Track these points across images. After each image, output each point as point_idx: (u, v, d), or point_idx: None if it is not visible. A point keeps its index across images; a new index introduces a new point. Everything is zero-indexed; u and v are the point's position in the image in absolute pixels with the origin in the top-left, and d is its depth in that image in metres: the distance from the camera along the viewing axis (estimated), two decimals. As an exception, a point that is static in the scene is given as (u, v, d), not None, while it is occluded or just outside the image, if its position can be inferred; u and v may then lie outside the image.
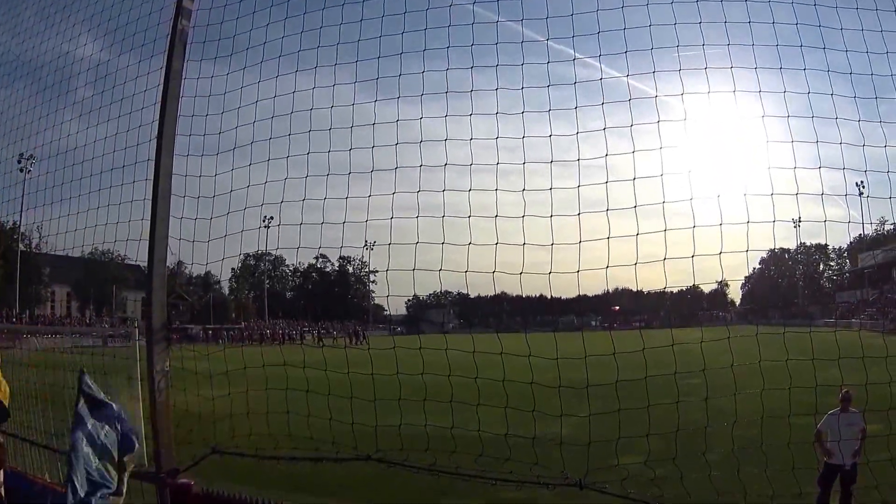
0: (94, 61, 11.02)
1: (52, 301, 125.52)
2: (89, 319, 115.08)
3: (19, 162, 16.24)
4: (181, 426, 8.22)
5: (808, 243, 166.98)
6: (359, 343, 77.12)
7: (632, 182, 7.27)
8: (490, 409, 7.98)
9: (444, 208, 7.83)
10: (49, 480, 7.85)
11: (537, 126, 7.58)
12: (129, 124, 9.39)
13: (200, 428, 8.42)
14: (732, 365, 7.43)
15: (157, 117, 8.10)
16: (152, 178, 8.02)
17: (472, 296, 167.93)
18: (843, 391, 14.42)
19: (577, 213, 7.31)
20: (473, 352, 8.08)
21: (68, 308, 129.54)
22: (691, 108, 7.70)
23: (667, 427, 7.88)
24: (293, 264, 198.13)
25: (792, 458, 7.77)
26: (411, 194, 7.96)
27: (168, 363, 7.92)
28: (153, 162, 8.04)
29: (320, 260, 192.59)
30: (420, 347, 8.07)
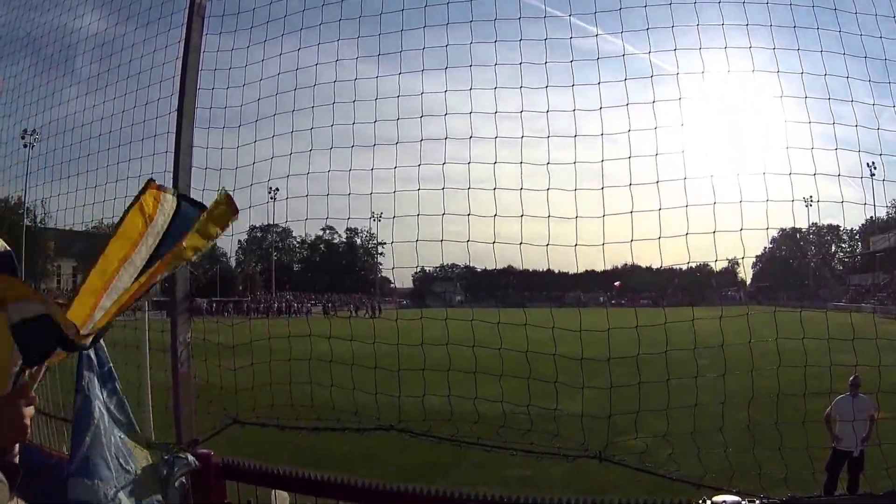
0: (110, 35, 11.02)
1: (59, 275, 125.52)
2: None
3: (23, 138, 16.20)
4: (201, 397, 8.28)
5: (819, 223, 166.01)
6: (378, 315, 76.86)
7: (627, 160, 7.31)
8: (511, 381, 8.03)
9: (444, 180, 7.88)
10: (66, 453, 7.90)
11: (537, 99, 7.61)
12: (136, 101, 9.44)
13: (221, 399, 8.47)
14: (750, 342, 7.46)
15: (177, 90, 8.12)
16: (173, 151, 8.05)
17: (478, 269, 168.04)
18: (852, 376, 14.52)
19: (600, 187, 7.33)
20: (498, 323, 8.13)
21: (74, 282, 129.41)
22: (698, 84, 7.74)
23: (681, 404, 7.92)
24: (300, 236, 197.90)
25: (807, 439, 7.82)
26: (413, 167, 8.02)
27: (190, 334, 7.96)
28: (174, 135, 8.06)
29: (327, 231, 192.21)
30: (446, 319, 8.12)
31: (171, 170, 8.00)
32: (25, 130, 14.58)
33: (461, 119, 8.02)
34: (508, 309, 12.33)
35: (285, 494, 7.16)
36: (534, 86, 7.61)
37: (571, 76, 7.65)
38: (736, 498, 5.65)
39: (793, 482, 6.66)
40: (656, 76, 7.48)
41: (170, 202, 4.78)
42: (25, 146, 17.21)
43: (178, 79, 8.12)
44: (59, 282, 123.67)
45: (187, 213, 4.92)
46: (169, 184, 7.95)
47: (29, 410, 3.62)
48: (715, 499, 5.62)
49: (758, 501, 5.66)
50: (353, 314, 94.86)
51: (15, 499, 3.83)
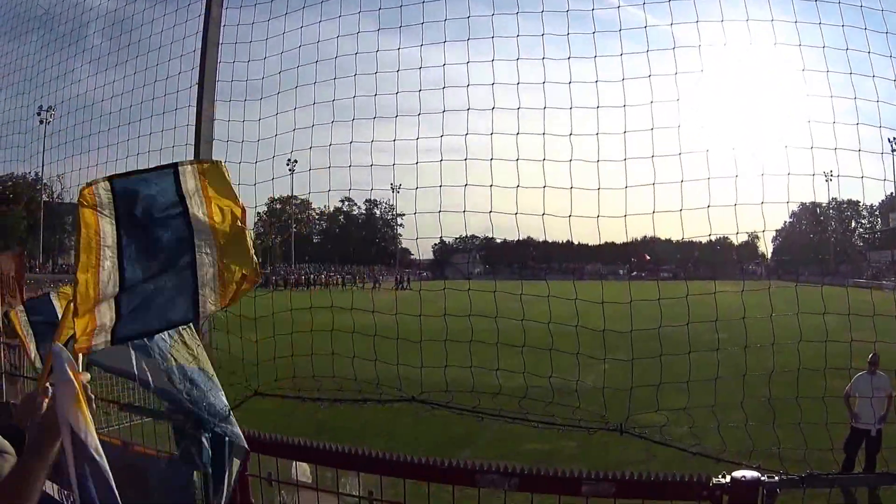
0: (126, 12, 11.02)
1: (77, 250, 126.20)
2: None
3: (39, 114, 16.25)
4: (222, 369, 8.31)
5: (839, 199, 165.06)
6: (405, 287, 76.50)
7: (650, 132, 7.27)
8: (532, 353, 8.03)
9: (466, 151, 7.87)
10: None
11: (558, 71, 7.58)
12: (156, 76, 9.45)
13: (242, 371, 8.51)
14: (771, 316, 7.44)
15: (198, 64, 8.13)
16: (194, 124, 8.06)
17: (497, 240, 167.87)
18: (871, 353, 14.49)
19: (623, 158, 7.31)
20: (521, 294, 8.13)
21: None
22: (723, 55, 7.70)
23: (701, 378, 7.91)
24: (320, 208, 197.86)
25: (826, 414, 7.80)
26: (434, 139, 8.01)
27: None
28: (195, 109, 8.07)
29: (346, 203, 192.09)
30: (469, 290, 8.12)
31: (192, 143, 8.01)
32: (41, 107, 14.65)
33: (484, 90, 8.00)
34: (528, 281, 12.33)
35: (305, 466, 7.20)
36: (556, 57, 7.59)
37: (594, 47, 7.63)
38: (755, 473, 5.64)
39: (812, 459, 6.65)
40: (678, 48, 7.44)
41: (104, 192, 4.82)
42: (42, 122, 17.30)
43: (198, 53, 8.13)
44: (76, 256, 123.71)
45: (145, 184, 5.00)
46: (190, 156, 7.99)
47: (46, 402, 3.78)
48: (734, 474, 5.63)
49: (777, 478, 5.66)
50: (376, 286, 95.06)
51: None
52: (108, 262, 4.61)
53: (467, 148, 7.84)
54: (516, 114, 7.70)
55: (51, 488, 8.00)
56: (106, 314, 4.54)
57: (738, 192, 7.17)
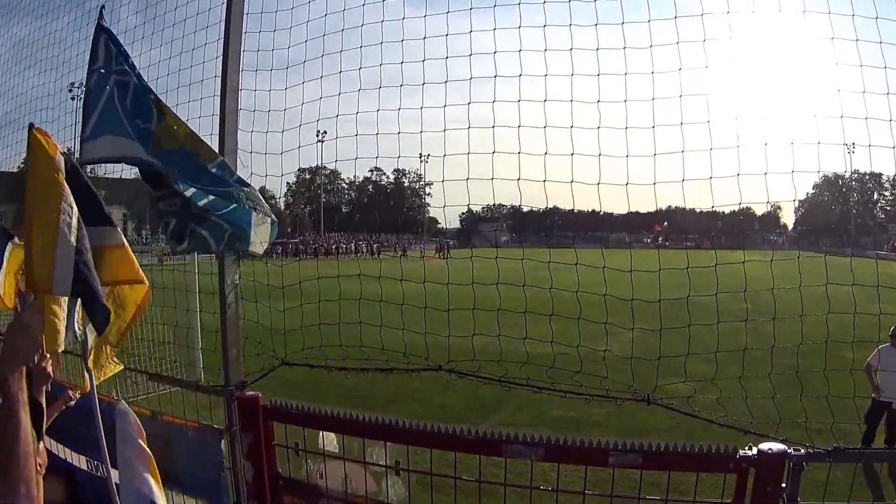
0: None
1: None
2: (145, 239, 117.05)
3: (70, 91, 16.32)
4: (249, 339, 8.36)
5: (861, 171, 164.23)
6: (444, 256, 75.89)
7: (678, 99, 7.21)
8: (559, 322, 8.02)
9: (494, 118, 7.86)
10: (114, 398, 8.02)
11: (586, 37, 7.53)
12: (182, 47, 9.45)
13: (270, 340, 8.55)
14: (801, 285, 7.40)
15: (223, 35, 8.12)
16: (219, 94, 8.06)
17: (524, 209, 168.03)
18: (894, 326, 14.46)
19: (651, 126, 7.25)
20: (549, 262, 8.15)
21: (124, 229, 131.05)
22: (751, 25, 7.61)
23: (728, 348, 7.89)
24: (349, 178, 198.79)
25: (854, 387, 7.76)
26: (462, 107, 7.99)
27: (238, 276, 8.02)
28: (220, 79, 8.07)
29: (375, 173, 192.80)
30: (497, 257, 8.11)
31: (218, 113, 8.02)
32: (73, 83, 14.74)
33: (511, 57, 7.96)
34: (555, 249, 12.31)
35: (332, 436, 7.25)
36: (583, 24, 7.53)
37: (621, 13, 7.56)
38: (782, 446, 5.63)
39: (837, 432, 6.62)
40: (706, 14, 7.36)
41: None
42: (73, 98, 17.38)
43: (223, 24, 8.12)
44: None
45: None
46: (216, 128, 8.01)
47: (37, 320, 3.85)
48: (761, 446, 5.62)
49: (803, 451, 5.64)
50: (404, 254, 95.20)
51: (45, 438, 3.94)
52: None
53: (495, 115, 7.85)
54: (544, 80, 7.66)
55: (77, 460, 8.16)
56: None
57: (767, 161, 7.11)
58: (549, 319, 7.80)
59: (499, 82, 7.88)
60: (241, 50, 8.12)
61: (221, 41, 8.13)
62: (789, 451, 5.59)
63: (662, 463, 5.84)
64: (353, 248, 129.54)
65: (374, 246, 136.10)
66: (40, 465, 4.79)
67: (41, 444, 4.90)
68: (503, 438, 6.15)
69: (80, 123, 6.84)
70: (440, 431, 6.49)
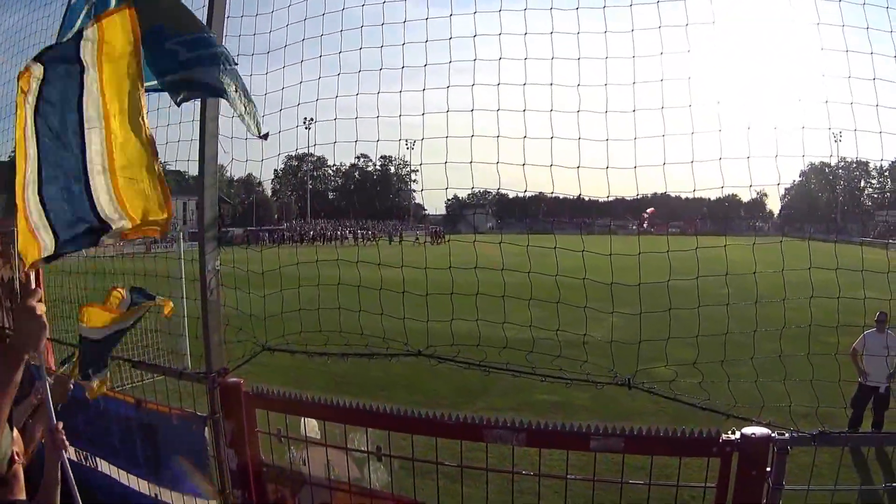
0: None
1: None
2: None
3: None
4: (231, 325, 8.32)
5: (848, 159, 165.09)
6: (440, 242, 75.18)
7: (659, 83, 7.18)
8: (540, 307, 8.00)
9: (473, 102, 7.81)
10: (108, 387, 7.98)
11: (566, 22, 7.49)
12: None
13: (250, 327, 8.51)
14: (783, 269, 7.37)
15: (205, 19, 8.06)
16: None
17: (509, 195, 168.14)
18: (879, 311, 14.58)
19: (632, 109, 7.22)
20: (528, 245, 8.11)
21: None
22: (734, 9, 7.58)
23: (711, 333, 7.89)
24: (335, 164, 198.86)
25: (839, 371, 7.76)
26: (441, 90, 7.95)
27: (219, 262, 7.97)
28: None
29: (361, 160, 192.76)
30: (475, 241, 8.10)
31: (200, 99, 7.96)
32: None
33: (490, 41, 7.91)
34: (537, 235, 12.30)
35: (314, 422, 7.23)
36: (564, 7, 7.49)
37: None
38: (766, 430, 5.63)
39: (823, 416, 6.61)
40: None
41: (35, 77, 4.80)
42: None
43: (206, 9, 8.06)
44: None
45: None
46: (198, 112, 7.95)
47: (41, 306, 3.86)
48: (744, 430, 5.61)
49: (787, 435, 5.63)
50: (392, 241, 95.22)
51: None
52: (32, 151, 4.66)
53: (474, 99, 7.80)
54: (523, 64, 7.62)
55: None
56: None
57: (750, 146, 7.09)
58: (528, 304, 7.77)
59: (478, 65, 7.85)
60: (224, 34, 8.06)
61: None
62: (773, 435, 5.58)
63: (644, 447, 5.83)
64: (339, 234, 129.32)
65: (366, 233, 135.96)
66: (17, 455, 4.77)
67: (15, 433, 4.88)
68: (485, 423, 6.14)
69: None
70: (422, 417, 6.48)
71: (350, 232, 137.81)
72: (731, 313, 7.48)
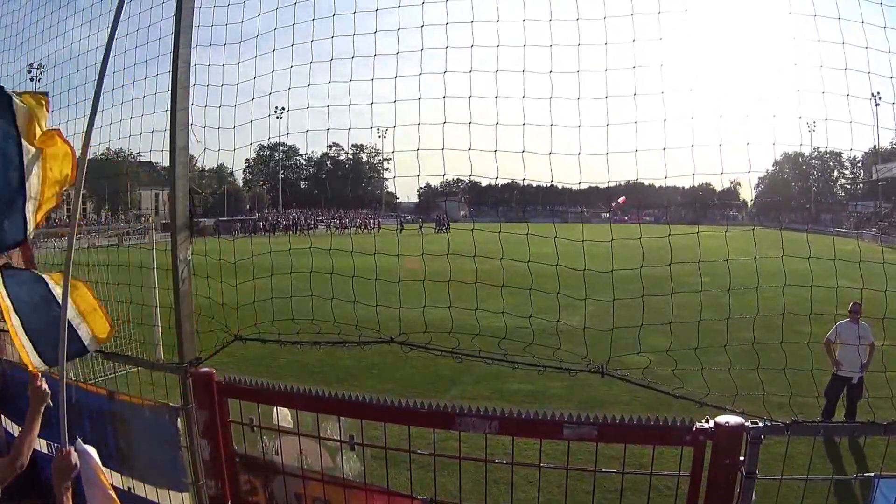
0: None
1: (68, 203, 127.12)
2: (105, 219, 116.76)
3: (29, 72, 16.17)
4: (203, 315, 8.28)
5: (822, 149, 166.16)
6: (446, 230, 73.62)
7: (632, 70, 7.20)
8: (513, 294, 8.01)
9: (445, 89, 7.80)
10: (72, 378, 7.94)
11: (538, 9, 7.48)
12: (139, 24, 9.30)
13: (222, 317, 8.46)
14: (756, 258, 7.40)
15: (175, 7, 8.00)
16: (171, 69, 7.95)
17: (482, 184, 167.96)
18: (852, 302, 14.72)
19: (604, 96, 7.21)
20: (500, 232, 8.10)
21: (84, 210, 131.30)
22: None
23: (685, 321, 7.90)
24: (307, 154, 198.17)
25: (811, 360, 7.77)
26: (413, 77, 7.93)
27: (190, 252, 7.92)
28: (171, 54, 7.95)
29: (333, 148, 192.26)
30: (447, 230, 8.08)
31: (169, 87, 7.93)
32: (31, 64, 14.58)
33: (463, 28, 7.89)
34: (510, 224, 12.31)
35: (286, 411, 7.21)
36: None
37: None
38: (739, 419, 5.63)
39: (797, 405, 6.64)
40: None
41: None
42: (31, 80, 17.28)
43: None
44: (68, 209, 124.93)
45: None
46: (169, 103, 7.91)
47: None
48: (718, 419, 5.61)
49: (761, 424, 5.64)
50: (364, 230, 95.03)
51: None
52: None
53: (446, 86, 7.78)
54: (496, 51, 7.60)
55: (38, 443, 8.13)
56: None
57: (722, 133, 7.11)
58: (500, 291, 7.78)
59: (450, 52, 7.83)
60: (197, 25, 8.02)
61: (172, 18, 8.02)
62: (747, 423, 5.59)
63: (618, 436, 5.83)
64: (312, 224, 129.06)
65: (338, 222, 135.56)
66: None
67: None
68: (457, 411, 6.12)
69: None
70: (394, 405, 6.46)
71: (322, 221, 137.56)
72: (705, 301, 7.51)
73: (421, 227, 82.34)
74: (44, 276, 6.94)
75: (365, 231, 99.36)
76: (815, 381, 8.08)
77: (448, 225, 79.44)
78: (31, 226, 6.53)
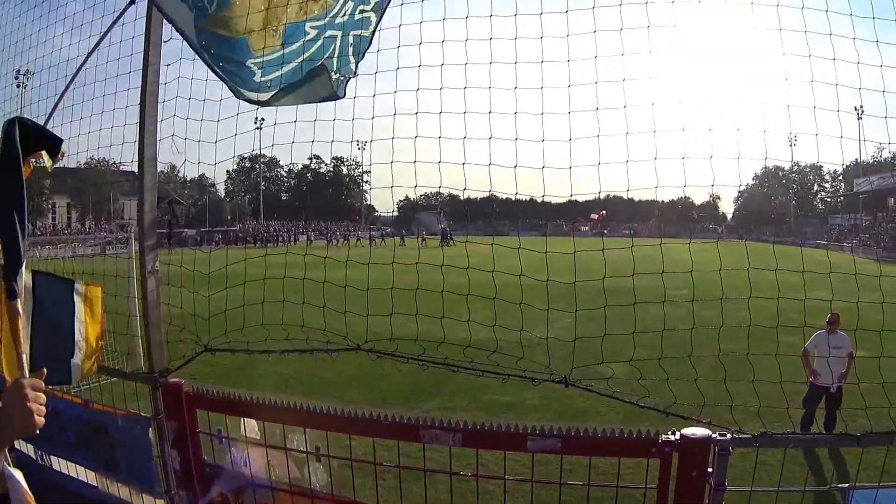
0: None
1: (53, 212, 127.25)
2: (88, 228, 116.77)
3: (16, 78, 16.17)
4: (174, 325, 8.28)
5: (802, 163, 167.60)
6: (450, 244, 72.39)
7: (621, 83, 7.24)
8: (477, 302, 8.06)
9: (417, 105, 7.84)
10: (50, 388, 7.91)
11: (530, 28, 7.54)
12: (122, 34, 9.31)
13: (193, 327, 8.46)
14: (720, 270, 7.42)
15: (145, 14, 8.00)
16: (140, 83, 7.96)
17: (461, 198, 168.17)
18: (829, 313, 14.79)
19: (595, 108, 7.23)
20: (466, 242, 8.15)
21: (69, 218, 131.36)
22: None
23: (653, 332, 7.92)
24: (287, 165, 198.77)
25: (780, 372, 7.80)
26: (389, 95, 7.97)
27: (157, 263, 7.93)
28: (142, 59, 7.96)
29: (314, 161, 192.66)
30: (420, 241, 8.17)
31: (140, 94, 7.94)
32: (19, 70, 14.57)
33: (434, 48, 7.96)
34: (488, 237, 12.34)
35: (254, 423, 7.20)
36: (527, 12, 7.52)
37: (565, 0, 7.55)
38: (706, 431, 5.62)
39: (765, 416, 6.64)
40: (650, 3, 7.36)
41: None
42: (19, 86, 17.27)
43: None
44: (53, 218, 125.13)
45: None
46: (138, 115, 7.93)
47: (40, 398, 3.32)
48: (684, 431, 5.60)
49: (729, 435, 5.64)
50: (346, 242, 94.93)
51: None
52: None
53: (418, 102, 7.82)
54: (488, 68, 7.63)
55: (25, 448, 8.15)
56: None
57: (707, 148, 7.15)
58: (465, 299, 7.81)
59: (422, 71, 7.91)
60: (162, 32, 8.03)
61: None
62: (714, 435, 5.59)
63: (582, 448, 5.82)
64: (292, 237, 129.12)
65: (317, 234, 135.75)
66: None
67: None
68: (421, 423, 6.12)
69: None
70: (359, 417, 6.46)
71: (303, 233, 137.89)
72: (684, 314, 7.54)
73: (423, 240, 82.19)
74: (77, 285, 7.57)
75: (345, 243, 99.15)
76: (789, 392, 8.08)
77: (451, 238, 79.04)
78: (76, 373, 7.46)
